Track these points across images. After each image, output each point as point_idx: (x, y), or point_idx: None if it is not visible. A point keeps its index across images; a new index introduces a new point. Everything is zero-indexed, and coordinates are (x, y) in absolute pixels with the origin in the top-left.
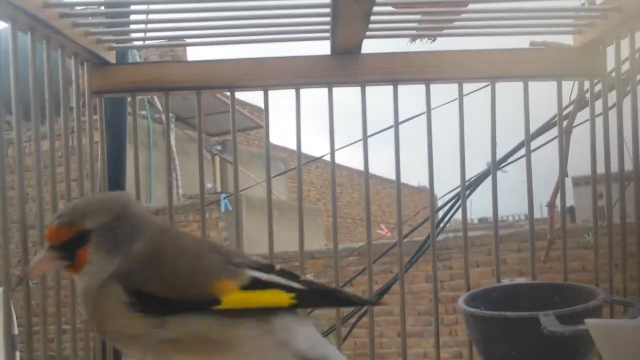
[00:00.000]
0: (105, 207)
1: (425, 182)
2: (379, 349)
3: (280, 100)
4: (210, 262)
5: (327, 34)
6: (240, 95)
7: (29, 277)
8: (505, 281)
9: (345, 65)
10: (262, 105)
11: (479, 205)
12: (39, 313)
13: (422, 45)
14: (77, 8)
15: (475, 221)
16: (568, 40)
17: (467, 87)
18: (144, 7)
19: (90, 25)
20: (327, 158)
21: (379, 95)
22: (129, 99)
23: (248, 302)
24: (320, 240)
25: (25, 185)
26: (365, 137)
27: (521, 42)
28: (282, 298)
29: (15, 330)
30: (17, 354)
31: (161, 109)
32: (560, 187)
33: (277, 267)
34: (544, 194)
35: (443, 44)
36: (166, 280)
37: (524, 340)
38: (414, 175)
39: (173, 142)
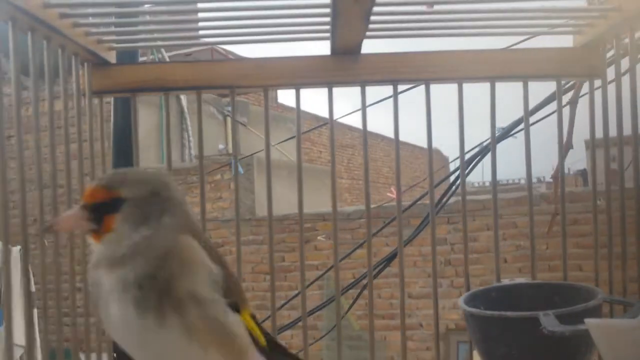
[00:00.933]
0: (145, 181)
1: (437, 144)
2: (388, 309)
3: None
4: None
5: (327, 34)
6: (247, 52)
7: (54, 229)
8: (505, 281)
9: (345, 65)
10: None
11: (490, 167)
12: (54, 271)
13: (421, 45)
14: (78, 8)
15: (487, 184)
16: (568, 40)
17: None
18: (144, 7)
19: (90, 25)
20: (340, 121)
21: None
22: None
23: (251, 327)
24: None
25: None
26: (365, 139)
27: (521, 41)
28: (262, 340)
29: (33, 288)
30: (35, 310)
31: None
32: (560, 184)
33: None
34: (557, 155)
35: (443, 44)
36: (226, 276)
37: (524, 340)
38: (424, 137)
39: (184, 103)
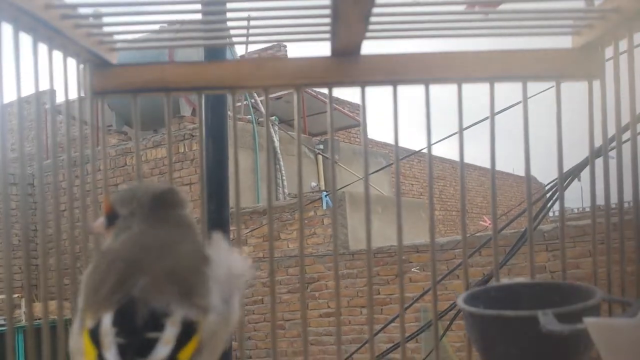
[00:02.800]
0: (130, 202)
1: (533, 171)
2: None
3: (379, 96)
4: (105, 288)
5: (327, 35)
6: (339, 94)
7: (90, 230)
8: (505, 280)
9: (345, 66)
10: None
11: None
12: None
13: (421, 46)
14: (79, 9)
15: (587, 208)
16: (567, 41)
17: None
18: (145, 7)
19: (91, 26)
20: (426, 151)
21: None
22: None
23: (85, 346)
24: (424, 233)
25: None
26: (365, 139)
27: (520, 43)
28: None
29: None
30: None
31: (264, 113)
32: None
33: (172, 321)
34: None
35: (442, 44)
36: (86, 279)
37: (523, 339)
38: (519, 166)
39: (277, 144)
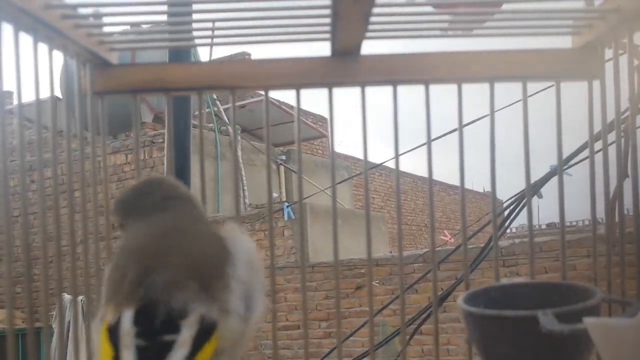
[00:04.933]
0: (114, 214)
1: (489, 187)
2: (445, 356)
3: (344, 108)
4: (119, 285)
5: (327, 35)
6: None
7: None
8: (504, 280)
9: (345, 66)
10: (325, 115)
11: (546, 210)
12: None
13: (422, 46)
14: (79, 10)
15: (543, 226)
16: (567, 41)
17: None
18: (144, 8)
19: (91, 26)
20: (390, 165)
21: (443, 95)
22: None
23: (101, 342)
24: (384, 247)
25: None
26: (365, 139)
27: (520, 43)
28: (107, 357)
29: None
30: None
31: (228, 122)
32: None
33: (189, 323)
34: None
35: (442, 45)
36: (109, 273)
37: (523, 339)
38: (479, 181)
39: (239, 153)
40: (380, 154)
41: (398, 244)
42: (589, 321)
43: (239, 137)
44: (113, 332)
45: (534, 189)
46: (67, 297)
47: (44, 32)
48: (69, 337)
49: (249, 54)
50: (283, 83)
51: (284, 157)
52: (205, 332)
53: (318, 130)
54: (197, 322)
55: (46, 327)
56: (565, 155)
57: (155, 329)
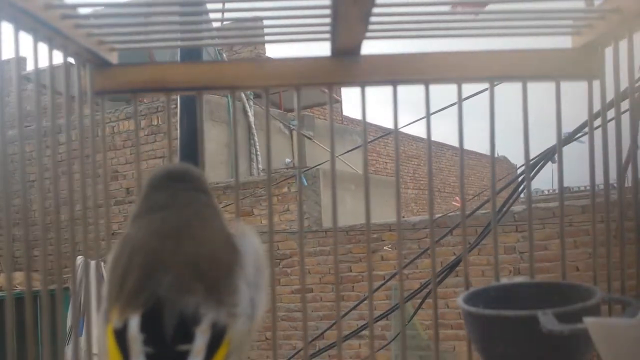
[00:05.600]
0: (145, 187)
1: (502, 152)
2: (457, 319)
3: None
4: (123, 284)
5: (328, 35)
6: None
7: None
8: (504, 280)
9: (345, 66)
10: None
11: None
12: None
13: (421, 46)
14: (79, 10)
15: (557, 191)
16: (567, 41)
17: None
18: (145, 8)
19: (92, 26)
20: (403, 131)
21: None
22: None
23: (108, 346)
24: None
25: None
26: (365, 140)
27: (520, 43)
28: None
29: None
30: None
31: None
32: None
33: (202, 329)
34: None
35: (442, 44)
36: (110, 269)
37: (523, 339)
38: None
39: (252, 119)
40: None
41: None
42: (589, 321)
43: (251, 103)
44: (120, 336)
45: (547, 155)
46: (79, 259)
47: (44, 32)
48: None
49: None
50: (283, 83)
51: (296, 123)
52: (217, 338)
53: (333, 96)
54: (209, 329)
55: (59, 289)
56: (577, 123)
57: (164, 336)
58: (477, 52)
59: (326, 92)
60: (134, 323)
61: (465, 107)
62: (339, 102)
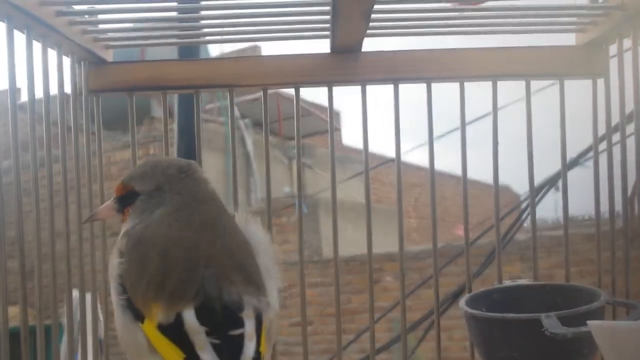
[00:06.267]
0: (155, 175)
1: (505, 180)
2: (462, 352)
3: (357, 102)
4: (163, 280)
5: (328, 33)
6: (316, 99)
7: (94, 218)
8: (507, 282)
9: (345, 64)
10: (340, 109)
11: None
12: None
13: (423, 44)
14: (74, 6)
15: (562, 220)
16: (570, 38)
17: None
18: (141, 5)
19: (87, 23)
20: (406, 159)
21: (450, 92)
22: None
23: (154, 342)
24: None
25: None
26: (365, 141)
27: (523, 40)
28: (174, 359)
29: (102, 335)
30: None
31: (238, 115)
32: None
33: (248, 316)
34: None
35: (444, 42)
36: (130, 270)
37: (526, 342)
38: (502, 174)
39: (250, 147)
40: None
41: (399, 244)
42: (592, 324)
43: (250, 131)
44: (172, 331)
45: (551, 182)
46: (75, 293)
47: (38, 29)
48: (79, 333)
49: (259, 47)
50: (282, 81)
51: (295, 151)
52: (259, 324)
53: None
54: (253, 315)
55: (55, 324)
56: (581, 148)
57: (219, 324)
58: (480, 50)
59: (326, 120)
60: (190, 316)
61: (468, 136)
62: (338, 130)
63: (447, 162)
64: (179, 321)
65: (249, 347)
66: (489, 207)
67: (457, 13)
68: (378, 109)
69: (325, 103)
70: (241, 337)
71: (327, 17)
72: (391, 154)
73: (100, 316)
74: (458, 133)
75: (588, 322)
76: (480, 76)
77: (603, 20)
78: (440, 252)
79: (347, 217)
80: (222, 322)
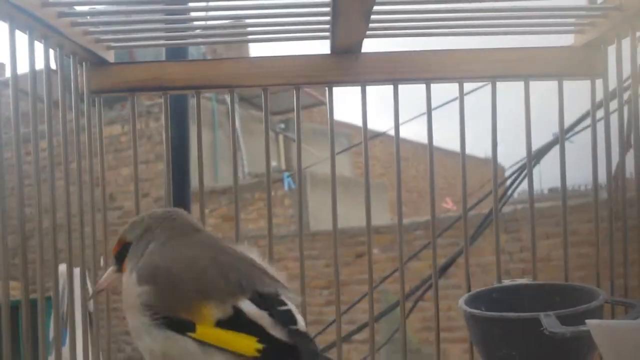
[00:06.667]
0: (143, 221)
1: (489, 153)
2: (447, 322)
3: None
4: (204, 283)
5: (327, 33)
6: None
7: (98, 290)
8: (506, 282)
9: (345, 65)
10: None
11: (548, 175)
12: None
13: (423, 44)
14: (76, 7)
15: (545, 191)
16: (569, 39)
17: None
18: (143, 6)
19: (88, 24)
20: (390, 133)
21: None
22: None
23: (216, 340)
24: (385, 214)
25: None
26: (365, 139)
27: (522, 41)
28: (248, 347)
29: (91, 308)
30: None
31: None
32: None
33: (286, 298)
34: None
35: (443, 43)
36: (158, 293)
37: (525, 341)
38: (481, 146)
39: (238, 122)
40: (380, 121)
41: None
42: (591, 323)
43: (236, 106)
44: (236, 323)
45: (537, 156)
46: (62, 268)
47: (40, 30)
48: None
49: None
50: (282, 81)
51: (282, 126)
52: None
53: (317, 97)
54: (289, 300)
55: (41, 298)
56: (567, 123)
57: (276, 310)
58: (479, 50)
59: (311, 95)
60: (248, 305)
61: (453, 107)
62: (324, 104)
63: (434, 134)
64: (238, 313)
65: (300, 318)
66: (474, 178)
67: (457, 14)
68: (365, 112)
69: None
70: (290, 312)
71: (327, 17)
72: (377, 127)
73: (90, 290)
74: (443, 108)
75: (587, 321)
76: (480, 77)
77: (601, 21)
78: (426, 225)
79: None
80: (271, 305)
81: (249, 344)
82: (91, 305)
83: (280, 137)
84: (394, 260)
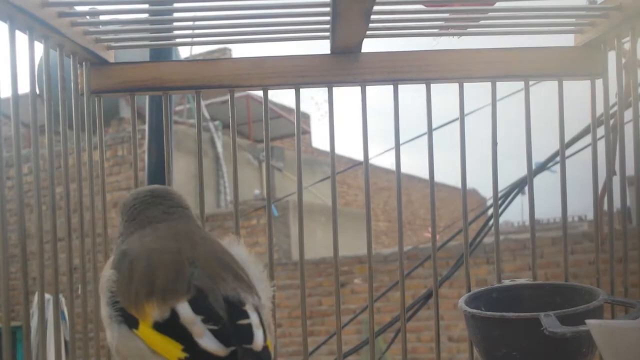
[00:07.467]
0: (128, 203)
1: (473, 184)
2: (429, 353)
3: (326, 105)
4: (153, 279)
5: (327, 33)
6: (286, 101)
7: None
8: (506, 281)
9: (345, 65)
10: (308, 111)
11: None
12: (94, 319)
13: (423, 44)
14: (76, 7)
15: (527, 223)
16: (569, 39)
17: (501, 90)
18: (143, 6)
19: (88, 24)
20: (374, 162)
21: (415, 94)
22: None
23: (151, 343)
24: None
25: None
26: (365, 137)
27: (522, 41)
28: (172, 354)
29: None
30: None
31: (208, 117)
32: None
33: (250, 307)
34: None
35: (443, 43)
36: (118, 281)
37: (525, 341)
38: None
39: (220, 150)
40: (361, 150)
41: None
42: (591, 323)
43: (220, 134)
44: (168, 326)
45: (519, 186)
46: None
47: (40, 30)
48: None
49: (229, 50)
50: (282, 82)
51: (264, 154)
52: (260, 318)
53: (301, 126)
54: (253, 309)
55: (26, 325)
56: (549, 153)
57: (220, 314)
58: (479, 51)
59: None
60: (185, 308)
61: (434, 138)
62: (308, 133)
63: (414, 165)
64: (174, 316)
65: (258, 335)
66: (454, 209)
67: (457, 14)
68: (346, 112)
69: (293, 105)
70: (249, 326)
71: (327, 17)
72: (359, 157)
73: (66, 318)
74: (424, 138)
75: (587, 321)
76: (479, 77)
77: (602, 21)
78: (408, 255)
79: (316, 220)
80: (228, 314)
81: (172, 352)
82: (67, 333)
83: (264, 166)
84: (376, 289)
